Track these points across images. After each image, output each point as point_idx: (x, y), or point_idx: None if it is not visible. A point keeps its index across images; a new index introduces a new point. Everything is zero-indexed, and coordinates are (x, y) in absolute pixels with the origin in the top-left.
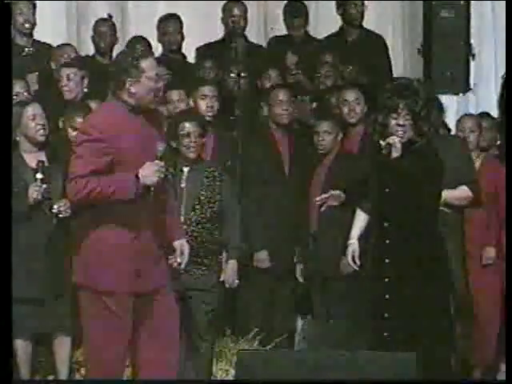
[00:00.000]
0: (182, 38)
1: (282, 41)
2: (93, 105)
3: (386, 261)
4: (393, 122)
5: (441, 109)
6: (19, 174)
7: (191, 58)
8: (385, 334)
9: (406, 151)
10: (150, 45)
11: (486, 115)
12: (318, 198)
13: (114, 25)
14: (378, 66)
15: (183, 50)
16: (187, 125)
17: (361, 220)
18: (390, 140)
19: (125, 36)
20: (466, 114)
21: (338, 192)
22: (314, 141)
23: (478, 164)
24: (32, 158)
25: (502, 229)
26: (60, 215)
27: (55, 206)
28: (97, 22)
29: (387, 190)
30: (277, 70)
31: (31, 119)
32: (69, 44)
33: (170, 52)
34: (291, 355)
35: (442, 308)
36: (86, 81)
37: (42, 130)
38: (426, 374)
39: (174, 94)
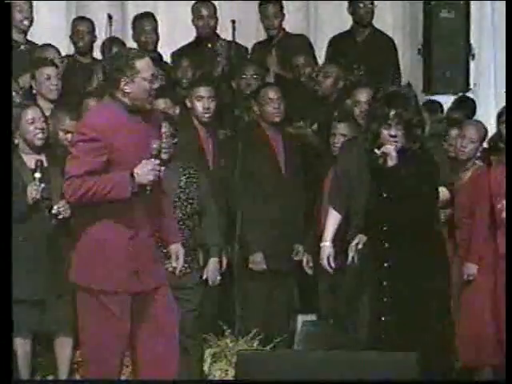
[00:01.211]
0: (158, 38)
1: (262, 43)
2: (92, 103)
3: (385, 265)
4: (385, 132)
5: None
6: (18, 174)
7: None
8: (383, 336)
9: (401, 158)
10: (124, 45)
11: None
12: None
13: (91, 23)
14: (385, 66)
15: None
16: None
17: (334, 220)
18: (385, 149)
19: (125, 36)
20: (470, 122)
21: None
22: (329, 141)
23: (468, 174)
24: (31, 159)
25: (502, 229)
26: (59, 216)
27: (55, 207)
28: (74, 20)
29: (385, 195)
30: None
31: (30, 123)
32: (51, 45)
33: (146, 51)
34: (291, 355)
35: (442, 311)
36: (60, 82)
37: (40, 134)
38: (426, 375)
39: (161, 103)
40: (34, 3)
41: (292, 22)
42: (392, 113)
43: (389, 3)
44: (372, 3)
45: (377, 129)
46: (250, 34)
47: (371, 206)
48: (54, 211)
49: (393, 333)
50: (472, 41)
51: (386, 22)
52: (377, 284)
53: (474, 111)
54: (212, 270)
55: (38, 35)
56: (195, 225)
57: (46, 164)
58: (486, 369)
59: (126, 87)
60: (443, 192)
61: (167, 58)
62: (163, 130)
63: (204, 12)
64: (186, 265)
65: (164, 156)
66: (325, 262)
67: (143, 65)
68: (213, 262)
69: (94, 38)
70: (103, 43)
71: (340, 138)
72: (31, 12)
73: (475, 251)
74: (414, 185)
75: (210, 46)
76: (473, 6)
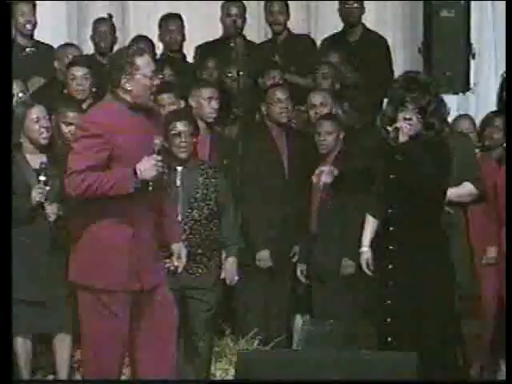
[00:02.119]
0: (183, 38)
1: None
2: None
3: (390, 247)
4: (400, 115)
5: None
6: (22, 175)
7: (191, 57)
8: (387, 335)
9: (414, 143)
10: (152, 44)
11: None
12: (314, 179)
13: (113, 24)
14: (378, 66)
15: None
16: (178, 124)
17: (370, 226)
18: (398, 124)
19: (125, 36)
20: (461, 115)
21: (327, 167)
22: (315, 140)
23: None
24: (35, 159)
25: (502, 228)
26: (49, 218)
27: (48, 208)
28: (96, 21)
29: (392, 176)
30: (279, 70)
31: (35, 122)
32: (72, 44)
33: (171, 51)
34: (291, 355)
35: (447, 304)
36: (90, 80)
37: (45, 133)
38: (431, 375)
39: (165, 98)
40: (36, 4)
41: (293, 22)
42: (409, 96)
43: (389, 3)
44: (360, 3)
45: (392, 112)
46: (251, 34)
47: (379, 188)
48: (48, 211)
49: (398, 328)
50: (472, 40)
51: (386, 21)
52: (382, 268)
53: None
54: (229, 270)
55: (38, 35)
56: (213, 225)
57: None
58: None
59: (126, 85)
60: (467, 187)
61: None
62: (183, 128)
63: (234, 11)
64: (202, 265)
65: (182, 155)
66: (364, 267)
67: (143, 61)
68: (230, 261)
69: (114, 39)
70: (131, 41)
71: (326, 136)
72: (33, 14)
73: (493, 234)
74: (422, 168)
75: (232, 45)
76: (473, 5)
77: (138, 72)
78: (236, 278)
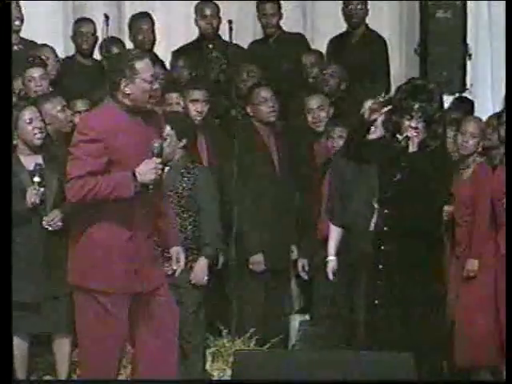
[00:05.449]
0: (154, 38)
1: (258, 41)
2: (79, 104)
3: (382, 247)
4: (406, 123)
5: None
6: (17, 176)
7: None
8: (377, 334)
9: (421, 152)
10: (124, 45)
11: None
12: None
13: (94, 25)
14: (375, 66)
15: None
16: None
17: (335, 236)
18: (409, 133)
19: (121, 36)
20: (469, 117)
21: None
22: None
23: (469, 171)
24: (29, 160)
25: (502, 229)
26: (50, 228)
27: (44, 220)
28: (77, 21)
29: (395, 179)
30: (258, 67)
31: (28, 123)
32: (45, 44)
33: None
34: (289, 355)
35: (436, 305)
36: (46, 82)
37: (39, 134)
38: (418, 375)
39: (173, 97)
40: (27, 3)
41: (288, 21)
42: (416, 105)
43: (386, 3)
44: (362, 4)
45: (399, 120)
46: (247, 34)
47: (381, 189)
48: (43, 223)
49: (387, 331)
50: (469, 40)
51: (383, 21)
52: (372, 267)
53: (472, 111)
54: (198, 270)
55: (34, 35)
56: (189, 224)
57: (43, 166)
58: (482, 370)
59: (126, 88)
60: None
61: (161, 57)
62: (165, 132)
63: (207, 12)
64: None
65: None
66: (331, 276)
67: (143, 66)
68: (201, 261)
69: (96, 40)
70: (101, 43)
71: (318, 112)
72: (20, 10)
73: (476, 247)
74: (426, 177)
75: (210, 46)
76: (469, 6)
77: (137, 76)
78: (205, 279)
